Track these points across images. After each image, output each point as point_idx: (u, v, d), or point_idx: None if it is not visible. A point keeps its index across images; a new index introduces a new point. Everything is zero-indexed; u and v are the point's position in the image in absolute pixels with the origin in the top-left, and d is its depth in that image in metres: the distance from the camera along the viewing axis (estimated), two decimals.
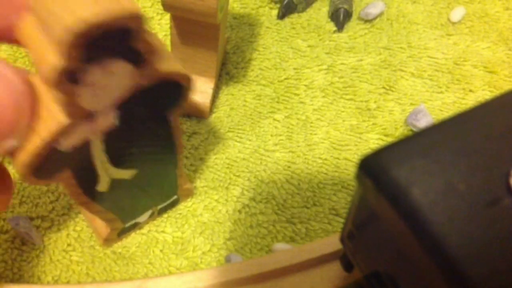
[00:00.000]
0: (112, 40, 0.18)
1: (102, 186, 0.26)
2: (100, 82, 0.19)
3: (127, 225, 0.31)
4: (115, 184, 0.27)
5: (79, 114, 0.20)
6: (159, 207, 0.32)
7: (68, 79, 0.18)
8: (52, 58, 0.17)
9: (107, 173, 0.25)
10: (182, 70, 0.23)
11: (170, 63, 0.22)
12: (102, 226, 0.30)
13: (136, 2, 0.19)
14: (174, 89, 0.24)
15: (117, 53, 0.19)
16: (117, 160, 0.25)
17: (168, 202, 0.32)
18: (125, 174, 0.27)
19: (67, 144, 0.21)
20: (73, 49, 0.17)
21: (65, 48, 0.17)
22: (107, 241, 0.31)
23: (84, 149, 0.22)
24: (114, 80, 0.20)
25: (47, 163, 0.21)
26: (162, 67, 0.21)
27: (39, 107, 0.20)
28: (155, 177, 0.29)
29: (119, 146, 0.24)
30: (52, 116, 0.20)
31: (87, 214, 0.32)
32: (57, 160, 0.21)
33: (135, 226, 0.32)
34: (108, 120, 0.22)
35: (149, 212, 0.31)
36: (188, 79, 0.23)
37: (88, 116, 0.21)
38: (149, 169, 0.28)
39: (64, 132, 0.20)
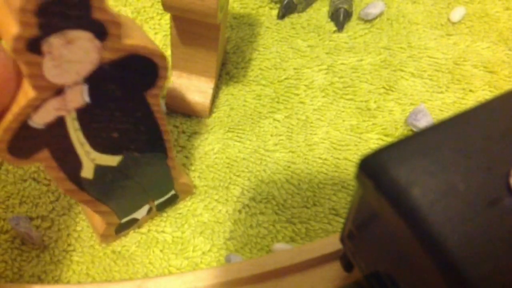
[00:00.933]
0: (71, 9, 0.18)
1: (87, 171, 0.26)
2: (63, 53, 0.19)
3: (124, 220, 0.31)
4: (102, 171, 0.26)
5: (47, 88, 0.20)
6: (157, 202, 0.32)
7: (30, 49, 0.18)
8: (13, 28, 0.18)
9: (89, 157, 0.25)
10: (151, 45, 0.22)
11: (138, 37, 0.22)
12: (99, 222, 0.30)
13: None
14: (146, 67, 0.23)
15: (79, 24, 0.19)
16: (98, 144, 0.25)
17: (166, 197, 0.32)
18: (110, 160, 0.26)
19: (39, 119, 0.21)
20: (30, 16, 0.17)
21: (22, 15, 0.17)
22: (105, 237, 0.31)
23: (59, 127, 0.22)
24: (78, 51, 0.20)
25: (21, 140, 0.21)
26: (128, 40, 0.21)
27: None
28: (145, 167, 0.29)
29: (96, 127, 0.24)
30: (22, 92, 0.20)
31: (86, 211, 0.32)
32: (32, 138, 0.22)
33: (133, 223, 0.32)
34: (78, 95, 0.22)
35: (146, 208, 0.31)
36: (159, 56, 0.23)
37: (57, 91, 0.21)
38: (136, 157, 0.27)
39: (33, 105, 0.20)
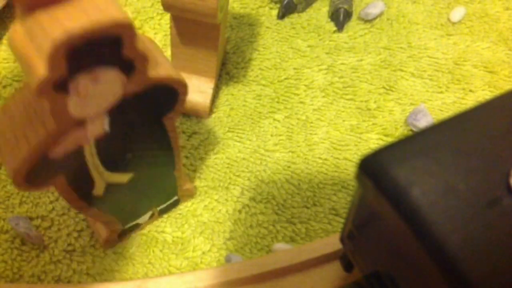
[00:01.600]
0: (101, 49, 0.18)
1: (98, 190, 0.26)
2: (90, 90, 0.19)
3: (127, 226, 0.31)
4: (112, 188, 0.26)
5: (69, 122, 0.20)
6: (159, 208, 0.32)
7: (56, 89, 0.18)
8: (39, 69, 0.17)
9: (102, 177, 0.25)
10: (174, 75, 0.22)
11: (162, 69, 0.22)
12: (102, 228, 0.30)
13: (124, 11, 0.18)
14: (167, 94, 0.23)
15: (107, 62, 0.19)
16: (111, 164, 0.25)
17: (169, 203, 0.32)
18: (121, 178, 0.26)
19: (58, 151, 0.21)
20: (59, 60, 0.17)
21: (51, 59, 0.17)
22: (108, 243, 0.31)
23: (76, 155, 0.22)
24: (104, 88, 0.20)
25: (39, 170, 0.21)
26: (153, 73, 0.21)
27: (31, 115, 0.20)
28: (153, 180, 0.29)
29: (112, 151, 0.24)
30: (42, 123, 0.20)
31: (86, 216, 0.32)
32: (49, 167, 0.21)
33: (136, 228, 0.32)
34: (99, 126, 0.22)
35: (149, 214, 0.31)
36: (181, 84, 0.23)
37: (78, 123, 0.20)
38: (146, 173, 0.28)
39: (53, 139, 0.20)
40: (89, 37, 0.17)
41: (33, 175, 0.21)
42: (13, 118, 0.20)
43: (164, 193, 0.31)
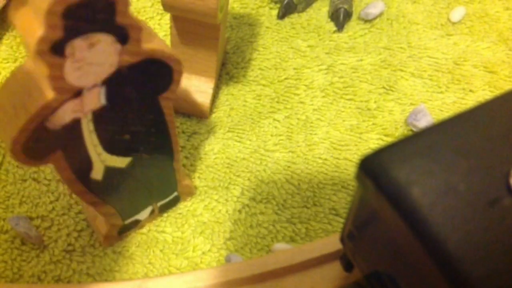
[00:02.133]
0: (96, 15, 0.18)
1: (96, 173, 0.26)
2: (85, 56, 0.19)
3: (127, 222, 0.31)
4: (111, 173, 0.26)
5: (66, 90, 0.20)
6: (159, 204, 0.32)
7: (53, 51, 0.18)
8: (37, 31, 0.18)
9: (100, 158, 0.25)
10: (168, 49, 0.23)
11: (155, 41, 0.22)
12: (102, 224, 0.30)
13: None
14: (162, 70, 0.24)
15: (103, 28, 0.19)
16: (110, 145, 0.25)
17: (169, 199, 0.32)
18: (119, 161, 0.26)
19: (56, 121, 0.21)
20: (56, 19, 0.17)
21: (49, 17, 0.17)
22: (108, 239, 0.31)
23: (74, 129, 0.22)
24: (99, 54, 0.20)
25: (36, 141, 0.21)
26: (147, 44, 0.21)
27: (30, 87, 0.20)
28: (152, 169, 0.29)
29: (110, 129, 0.24)
30: (40, 92, 0.20)
31: (88, 212, 0.32)
32: (47, 139, 0.22)
33: (136, 224, 0.32)
34: (96, 97, 0.22)
35: (149, 209, 0.31)
36: (175, 60, 0.23)
37: (75, 93, 0.21)
38: (145, 160, 0.28)
39: (51, 107, 0.20)
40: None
41: (31, 146, 0.21)
42: (13, 91, 0.21)
43: (164, 186, 0.31)
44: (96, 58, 0.20)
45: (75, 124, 0.22)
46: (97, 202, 0.27)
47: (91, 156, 0.25)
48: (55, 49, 0.18)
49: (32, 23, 0.18)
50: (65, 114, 0.21)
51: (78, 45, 0.19)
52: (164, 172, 0.30)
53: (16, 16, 0.19)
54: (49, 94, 0.20)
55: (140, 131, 0.26)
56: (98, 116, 0.23)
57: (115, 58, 0.21)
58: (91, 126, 0.23)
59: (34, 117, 0.20)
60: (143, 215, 0.31)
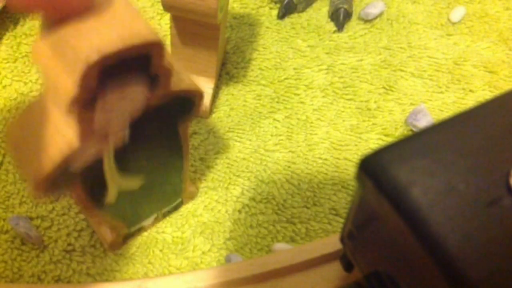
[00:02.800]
0: (130, 66, 0.18)
1: (111, 197, 0.26)
2: (115, 106, 0.19)
3: (132, 230, 0.31)
4: (124, 195, 0.26)
5: (92, 138, 0.20)
6: (164, 210, 0.32)
7: (85, 107, 0.18)
8: (68, 86, 0.17)
9: (116, 184, 0.25)
10: (194, 86, 0.22)
11: (183, 81, 0.22)
12: (107, 231, 0.30)
13: (154, 29, 0.18)
14: (185, 104, 0.23)
15: (135, 81, 0.19)
16: (127, 172, 0.25)
17: (173, 205, 0.32)
18: (133, 185, 0.26)
19: (79, 164, 0.21)
20: (91, 79, 0.17)
21: (83, 79, 0.16)
22: (113, 246, 0.31)
23: (95, 165, 0.22)
24: (129, 104, 0.19)
25: (58, 183, 0.21)
26: (174, 86, 0.21)
27: (51, 130, 0.19)
28: (161, 185, 0.29)
29: (129, 160, 0.24)
30: (64, 139, 0.19)
31: (92, 220, 0.32)
32: (68, 178, 0.21)
33: (140, 230, 0.32)
34: (120, 139, 0.21)
35: (153, 216, 0.31)
36: (199, 93, 0.23)
37: (100, 138, 0.20)
38: (156, 178, 0.28)
39: (76, 154, 0.20)
40: (121, 56, 0.16)
41: (52, 187, 0.21)
42: (31, 130, 0.20)
43: (170, 196, 0.31)
44: (125, 107, 0.20)
45: (97, 161, 0.22)
46: (105, 219, 0.27)
47: (108, 184, 0.25)
48: (86, 105, 0.18)
49: (62, 77, 0.17)
50: (88, 157, 0.21)
51: (109, 98, 0.18)
52: (172, 184, 0.30)
53: (39, 61, 0.18)
54: (75, 143, 0.19)
55: (157, 155, 0.26)
56: (120, 152, 0.23)
57: (143, 103, 0.20)
58: (112, 162, 0.23)
59: (59, 166, 0.20)
60: (147, 222, 0.31)
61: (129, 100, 0.19)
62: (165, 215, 0.33)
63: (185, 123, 0.25)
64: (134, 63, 0.18)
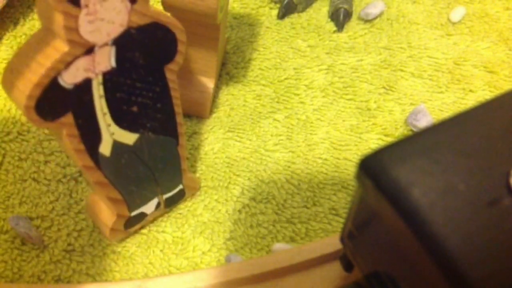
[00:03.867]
0: None
1: (105, 147, 0.26)
2: (98, 9, 0.20)
3: (134, 214, 0.31)
4: (118, 150, 0.27)
5: (79, 45, 0.21)
6: (165, 196, 0.32)
7: (69, 0, 0.19)
8: None
9: (109, 131, 0.26)
10: (173, 21, 0.24)
11: (162, 14, 0.23)
12: (107, 216, 0.30)
13: None
14: (167, 38, 0.25)
15: None
16: (119, 117, 0.26)
17: (174, 192, 0.32)
18: (127, 137, 0.27)
19: (68, 78, 0.22)
20: None
21: None
22: (114, 232, 0.30)
23: (85, 90, 0.23)
24: (111, 10, 0.21)
25: (49, 99, 0.22)
26: (153, 8, 0.23)
27: (43, 47, 0.21)
28: (157, 150, 0.29)
29: (118, 97, 0.25)
30: (54, 48, 0.21)
31: (93, 207, 0.31)
32: (59, 98, 0.22)
33: (142, 218, 0.31)
34: (106, 57, 0.23)
35: (155, 202, 0.31)
36: (179, 28, 0.24)
37: (87, 50, 0.22)
38: (151, 140, 0.28)
39: (65, 60, 0.21)
40: None
41: (44, 104, 0.22)
42: (27, 55, 0.22)
43: (169, 174, 0.31)
44: (107, 14, 0.21)
45: (86, 85, 0.23)
46: (105, 183, 0.27)
47: (101, 127, 0.25)
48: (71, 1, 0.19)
49: None
50: (77, 72, 0.22)
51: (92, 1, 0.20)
52: (169, 157, 0.30)
53: None
54: (64, 47, 0.21)
55: (147, 104, 0.26)
56: (108, 81, 0.24)
57: (124, 17, 0.22)
58: (101, 90, 0.24)
59: (49, 70, 0.21)
60: (149, 208, 0.31)
61: (110, 5, 0.21)
62: (167, 205, 0.32)
63: (172, 69, 0.26)
64: None
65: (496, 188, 0.17)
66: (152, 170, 0.30)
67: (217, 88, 0.39)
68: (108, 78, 0.24)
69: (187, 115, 0.37)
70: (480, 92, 0.39)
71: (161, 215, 0.33)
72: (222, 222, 0.33)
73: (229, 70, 0.40)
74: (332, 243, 0.30)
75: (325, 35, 0.42)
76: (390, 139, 0.37)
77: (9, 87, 0.22)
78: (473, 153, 0.18)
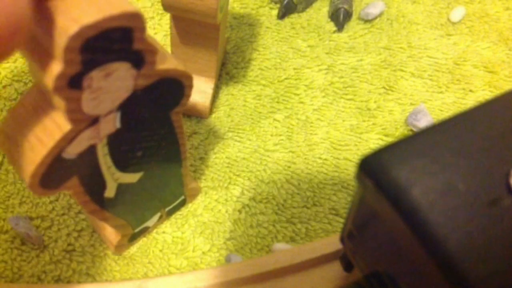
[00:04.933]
0: (113, 44, 0.18)
1: (110, 192, 0.26)
2: (102, 86, 0.19)
3: (137, 230, 0.31)
4: (122, 188, 0.26)
5: (82, 120, 0.20)
6: (167, 209, 0.32)
7: (71, 85, 0.18)
8: (54, 66, 0.17)
9: (113, 178, 0.25)
10: (180, 67, 0.23)
11: (168, 61, 0.22)
12: (112, 234, 0.30)
13: (136, 3, 0.19)
14: (174, 87, 0.24)
15: (119, 57, 0.19)
16: (123, 164, 0.25)
17: (176, 203, 0.32)
18: (131, 178, 0.26)
19: (72, 150, 0.21)
20: (75, 54, 0.17)
21: (66, 53, 0.17)
22: (119, 248, 0.31)
23: (89, 155, 0.22)
24: (115, 82, 0.20)
25: (53, 172, 0.21)
26: (161, 65, 0.21)
27: (42, 118, 0.20)
28: (161, 178, 0.29)
29: (123, 149, 0.24)
30: (56, 124, 0.20)
31: (96, 223, 0.31)
32: (63, 169, 0.21)
33: (145, 231, 0.32)
34: (111, 123, 0.22)
35: (157, 215, 0.31)
36: (187, 76, 0.23)
37: (91, 121, 0.21)
38: (155, 171, 0.28)
39: (68, 139, 0.20)
40: (102, 29, 0.17)
41: (48, 178, 0.21)
42: (24, 122, 0.20)
43: (172, 192, 0.31)
44: (112, 86, 0.20)
45: (91, 150, 0.22)
46: (109, 217, 0.27)
47: (105, 177, 0.25)
48: (72, 83, 0.18)
49: (47, 57, 0.17)
50: (81, 143, 0.21)
51: (95, 76, 0.18)
52: (172, 179, 0.30)
53: (26, 49, 0.18)
54: (66, 126, 0.20)
55: (152, 146, 0.26)
56: (112, 139, 0.23)
57: (130, 83, 0.21)
58: (105, 150, 0.23)
59: (52, 150, 0.20)
60: (152, 221, 0.31)
61: (115, 77, 0.19)
62: (169, 214, 0.32)
63: (177, 111, 0.25)
64: (117, 41, 0.18)
65: (496, 188, 0.17)
66: (156, 194, 0.30)
67: (217, 88, 0.39)
68: (113, 138, 0.23)
69: (187, 115, 0.37)
70: (480, 92, 0.39)
71: (163, 222, 0.33)
72: (222, 222, 0.33)
73: (229, 70, 0.40)
74: (332, 243, 0.30)
75: (325, 35, 0.42)
76: (390, 139, 0.37)
77: (7, 154, 0.21)
78: (473, 153, 0.18)
